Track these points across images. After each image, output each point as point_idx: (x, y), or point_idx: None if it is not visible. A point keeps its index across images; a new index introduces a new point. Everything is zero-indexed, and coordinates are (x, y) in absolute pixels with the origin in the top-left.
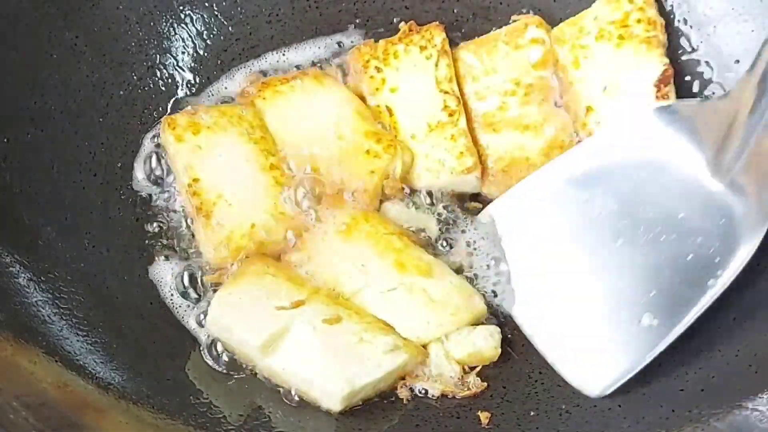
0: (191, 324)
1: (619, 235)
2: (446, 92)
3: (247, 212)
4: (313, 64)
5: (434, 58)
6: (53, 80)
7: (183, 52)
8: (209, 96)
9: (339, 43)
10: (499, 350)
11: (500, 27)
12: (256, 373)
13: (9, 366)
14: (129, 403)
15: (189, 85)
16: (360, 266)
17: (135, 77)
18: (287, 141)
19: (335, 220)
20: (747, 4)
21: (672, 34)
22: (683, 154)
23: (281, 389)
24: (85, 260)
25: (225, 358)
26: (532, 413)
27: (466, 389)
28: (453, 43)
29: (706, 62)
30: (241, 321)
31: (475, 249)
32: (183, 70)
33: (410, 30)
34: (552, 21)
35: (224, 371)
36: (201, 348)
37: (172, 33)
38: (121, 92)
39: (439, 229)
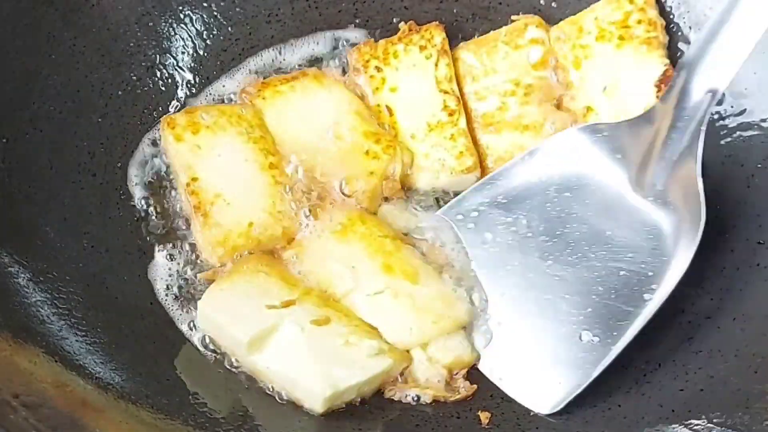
0: (186, 324)
1: (548, 255)
2: (446, 92)
3: (244, 211)
4: (313, 63)
5: (434, 58)
6: (53, 80)
7: (183, 52)
8: (209, 96)
9: (338, 43)
10: (477, 354)
11: (500, 27)
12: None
13: (8, 366)
14: (128, 403)
15: (189, 85)
16: (350, 268)
17: (135, 77)
18: (287, 141)
19: (332, 220)
20: None
21: (672, 34)
22: (606, 173)
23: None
24: (85, 260)
25: (218, 356)
26: (532, 413)
27: (456, 393)
28: (453, 43)
29: None
30: (231, 317)
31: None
32: (183, 70)
33: (410, 30)
34: (552, 21)
35: (219, 369)
36: (195, 346)
37: (172, 33)
38: (121, 92)
39: (437, 230)
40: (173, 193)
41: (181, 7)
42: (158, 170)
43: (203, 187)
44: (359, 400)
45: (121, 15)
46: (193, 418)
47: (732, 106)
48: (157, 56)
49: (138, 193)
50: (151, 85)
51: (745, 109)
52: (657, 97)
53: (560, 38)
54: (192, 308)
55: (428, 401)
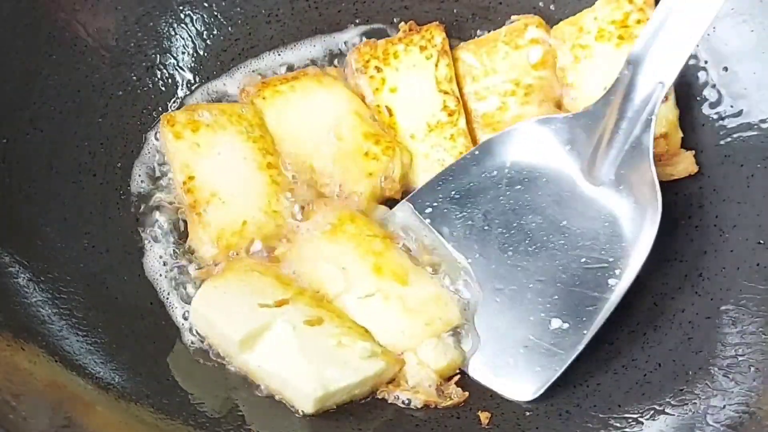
0: (181, 322)
1: (507, 246)
2: (446, 92)
3: (240, 210)
4: (313, 63)
5: (434, 58)
6: (53, 80)
7: (183, 52)
8: (209, 96)
9: (339, 43)
10: (465, 356)
11: (500, 27)
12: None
13: (8, 366)
14: (129, 403)
15: (189, 85)
16: (341, 269)
17: (135, 77)
18: (286, 141)
19: (322, 220)
20: (747, 4)
21: None
22: (557, 164)
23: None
24: (85, 260)
25: (212, 354)
26: (531, 413)
27: (447, 399)
28: (453, 43)
29: (706, 62)
30: (223, 315)
31: None
32: (183, 70)
33: (410, 30)
34: (552, 21)
35: (214, 368)
36: (186, 343)
37: (172, 33)
38: (121, 92)
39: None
40: (172, 192)
41: (181, 7)
42: (158, 170)
43: (199, 186)
44: (350, 402)
45: (121, 15)
46: (194, 418)
47: (731, 107)
48: (157, 56)
49: (138, 192)
50: (151, 85)
51: (744, 110)
52: None
53: (560, 38)
54: (187, 306)
55: (419, 405)
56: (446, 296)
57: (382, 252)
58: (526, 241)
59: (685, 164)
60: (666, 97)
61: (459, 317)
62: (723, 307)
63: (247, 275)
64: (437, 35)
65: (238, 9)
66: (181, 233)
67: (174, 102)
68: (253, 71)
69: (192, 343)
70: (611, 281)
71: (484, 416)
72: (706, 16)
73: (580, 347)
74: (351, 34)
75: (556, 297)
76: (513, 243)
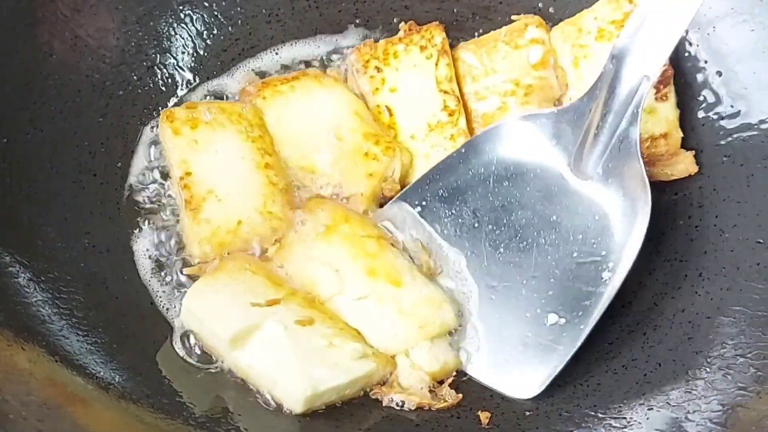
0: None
1: (498, 243)
2: (446, 92)
3: (236, 209)
4: (313, 64)
5: (434, 58)
6: (53, 80)
7: (183, 52)
8: (209, 95)
9: (339, 43)
10: (461, 360)
11: (500, 27)
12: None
13: (8, 365)
14: (129, 403)
15: (189, 85)
16: (335, 271)
17: (135, 77)
18: (286, 141)
19: (317, 221)
20: (747, 4)
21: None
22: (544, 159)
23: None
24: (85, 260)
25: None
26: (531, 413)
27: (441, 401)
28: (453, 43)
29: (706, 61)
30: (214, 313)
31: None
32: (183, 70)
33: (410, 30)
34: (552, 21)
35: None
36: (174, 341)
37: (172, 33)
38: (121, 92)
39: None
40: (172, 191)
41: (181, 7)
42: (159, 170)
43: (196, 182)
44: (340, 402)
45: (121, 15)
46: (194, 418)
47: (731, 107)
48: (157, 56)
49: (138, 192)
50: (151, 85)
51: (744, 110)
52: (657, 97)
53: (560, 38)
54: (179, 304)
55: (412, 407)
56: (440, 298)
57: (377, 253)
58: (517, 238)
59: (685, 164)
60: (666, 97)
61: (454, 320)
62: (723, 307)
63: (240, 274)
64: (437, 35)
65: (238, 9)
66: (178, 233)
67: (174, 102)
68: (253, 71)
69: (183, 343)
70: (605, 275)
71: (484, 416)
72: (689, 8)
73: (579, 342)
74: (351, 34)
75: (551, 293)
76: (504, 240)
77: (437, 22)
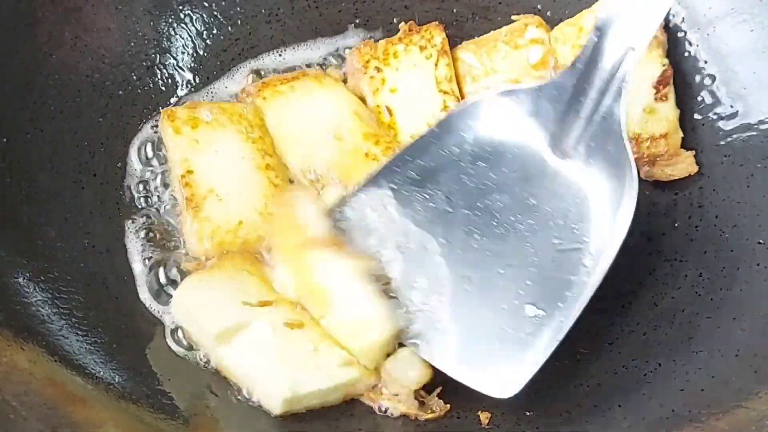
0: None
1: (473, 229)
2: (446, 92)
3: (236, 209)
4: (313, 64)
5: (434, 58)
6: (53, 80)
7: (183, 52)
8: (209, 96)
9: (339, 44)
10: (429, 369)
11: (500, 27)
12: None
13: (8, 365)
14: (129, 403)
15: (189, 85)
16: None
17: (135, 77)
18: (286, 141)
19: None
20: (747, 4)
21: (672, 34)
22: (522, 138)
23: None
24: (85, 260)
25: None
26: (531, 413)
27: (428, 411)
28: (453, 43)
29: (706, 61)
30: (204, 307)
31: None
32: (183, 70)
33: (410, 30)
34: (552, 21)
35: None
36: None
37: (172, 33)
38: (121, 92)
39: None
40: (172, 190)
41: (181, 7)
42: (159, 170)
43: (197, 181)
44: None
45: (121, 15)
46: (195, 418)
47: (731, 107)
48: (157, 56)
49: (138, 192)
50: (151, 85)
51: (744, 110)
52: (656, 97)
53: (560, 38)
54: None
55: (396, 415)
56: (383, 306)
57: (309, 270)
58: (493, 223)
59: (685, 164)
60: (666, 97)
61: (401, 320)
62: (723, 307)
63: (235, 273)
64: (437, 35)
65: (238, 9)
66: (178, 233)
67: (174, 102)
68: (253, 71)
69: (172, 339)
70: (588, 263)
71: (484, 416)
72: None
73: (560, 337)
74: (351, 35)
75: (529, 282)
76: (479, 225)
77: (437, 22)
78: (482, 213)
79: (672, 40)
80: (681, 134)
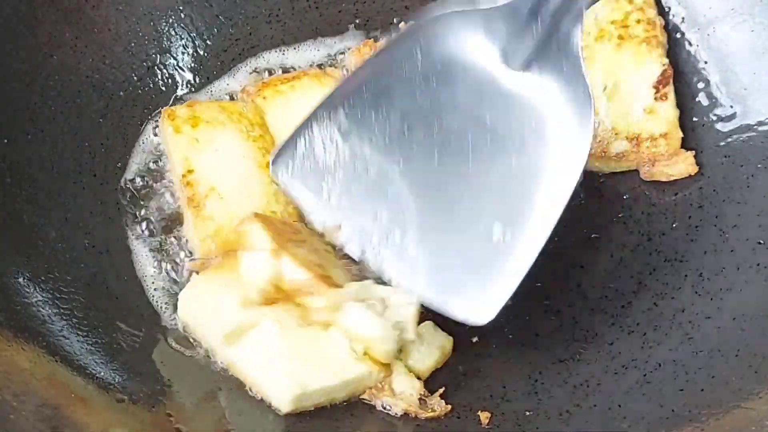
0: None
1: (432, 151)
2: None
3: (238, 208)
4: (313, 64)
5: None
6: (53, 80)
7: (183, 52)
8: (209, 96)
9: (339, 44)
10: (451, 338)
11: None
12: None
13: (8, 366)
14: (129, 403)
15: (189, 85)
16: None
17: (135, 77)
18: None
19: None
20: (747, 4)
21: (672, 34)
22: (475, 55)
23: None
24: (85, 260)
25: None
26: (531, 413)
27: (429, 410)
28: None
29: (706, 62)
30: (211, 308)
31: None
32: (183, 70)
33: None
34: None
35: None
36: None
37: (172, 33)
38: (121, 92)
39: None
40: (172, 190)
41: (181, 7)
42: (158, 170)
43: (198, 180)
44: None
45: (121, 15)
46: (198, 418)
47: (731, 107)
48: (158, 56)
49: (138, 192)
50: (151, 85)
51: (744, 110)
52: (656, 97)
53: None
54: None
55: (398, 413)
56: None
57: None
58: (451, 145)
59: (685, 164)
60: (665, 97)
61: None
62: (723, 307)
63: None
64: None
65: (239, 9)
66: (178, 233)
67: (174, 102)
68: (253, 71)
69: (176, 341)
70: (552, 184)
71: (484, 416)
72: None
73: (531, 259)
74: (351, 35)
75: (492, 204)
76: (437, 147)
77: None
78: (439, 134)
79: (672, 40)
80: (681, 134)
